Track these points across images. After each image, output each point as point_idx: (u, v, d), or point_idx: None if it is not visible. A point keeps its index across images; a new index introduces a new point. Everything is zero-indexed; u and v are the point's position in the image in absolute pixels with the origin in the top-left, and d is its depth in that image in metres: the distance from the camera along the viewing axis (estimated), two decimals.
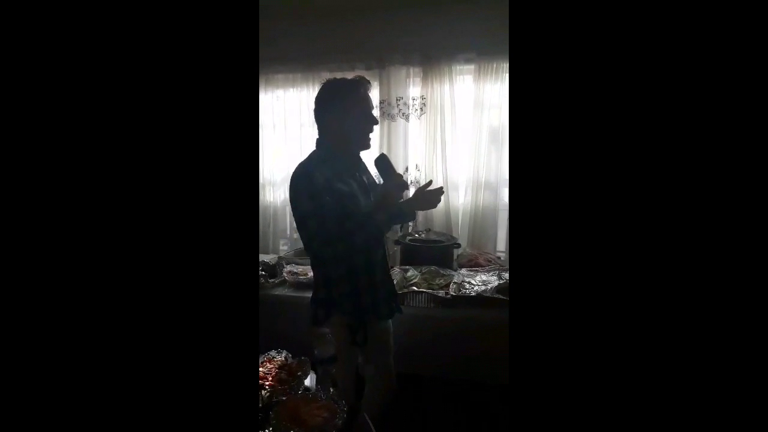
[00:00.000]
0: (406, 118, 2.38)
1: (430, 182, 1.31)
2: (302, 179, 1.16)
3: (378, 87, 2.39)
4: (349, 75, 2.40)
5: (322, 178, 1.13)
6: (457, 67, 2.31)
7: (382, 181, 1.28)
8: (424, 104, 2.36)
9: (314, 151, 1.26)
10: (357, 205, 1.19)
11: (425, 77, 2.34)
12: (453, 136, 2.36)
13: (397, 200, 1.23)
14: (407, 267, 2.07)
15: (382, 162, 1.25)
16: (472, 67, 2.28)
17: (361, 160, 1.32)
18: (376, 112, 2.40)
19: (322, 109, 1.22)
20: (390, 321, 1.40)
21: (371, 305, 1.27)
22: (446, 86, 2.32)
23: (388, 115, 2.39)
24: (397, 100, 2.37)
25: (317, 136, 1.27)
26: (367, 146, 1.27)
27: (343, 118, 1.20)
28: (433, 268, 2.04)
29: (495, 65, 2.24)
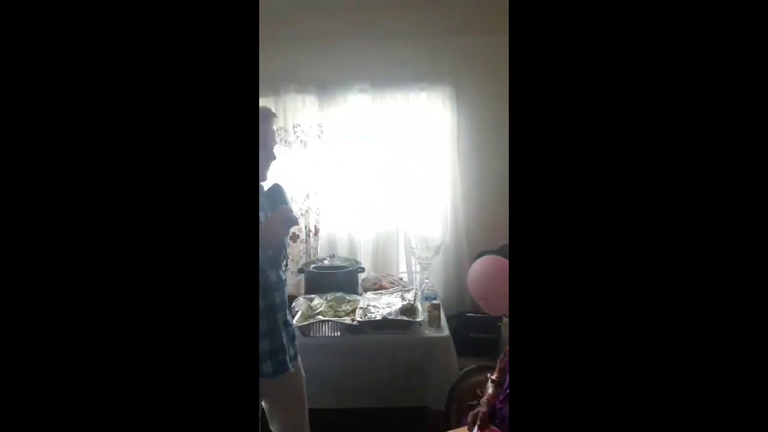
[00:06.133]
0: (304, 144, 2.38)
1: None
2: None
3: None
4: None
5: None
6: (352, 96, 2.37)
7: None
8: (321, 131, 2.38)
9: None
10: None
11: (321, 105, 2.36)
12: (351, 163, 2.41)
13: (281, 238, 1.18)
14: (312, 296, 2.03)
15: (274, 193, 1.21)
16: (366, 96, 2.37)
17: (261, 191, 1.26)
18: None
19: None
20: (290, 375, 1.28)
21: None
22: (342, 114, 2.37)
23: (285, 141, 2.36)
24: (294, 127, 2.36)
25: None
26: (263, 178, 1.23)
27: None
28: (338, 294, 2.03)
29: (388, 95, 2.36)
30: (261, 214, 1.22)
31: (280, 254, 1.22)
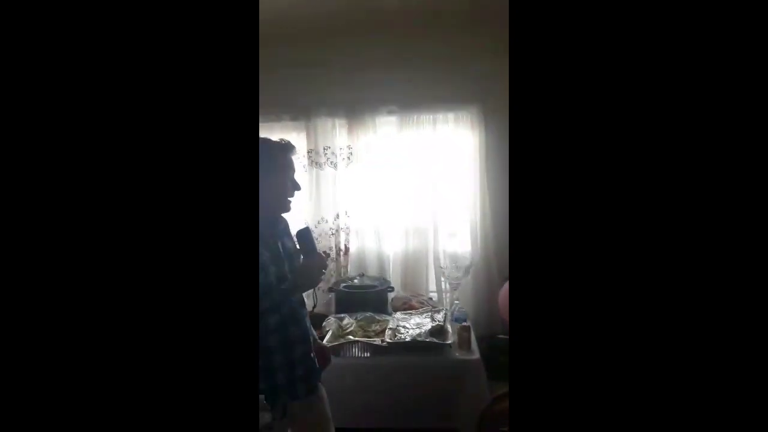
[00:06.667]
0: (334, 166, 2.43)
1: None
2: None
3: (305, 137, 2.43)
4: (276, 126, 2.44)
5: None
6: (381, 119, 2.42)
7: (301, 254, 1.27)
8: (351, 153, 2.43)
9: None
10: (267, 277, 1.17)
11: (350, 128, 2.42)
12: (381, 184, 2.44)
13: (318, 280, 1.25)
14: (342, 315, 2.04)
15: (305, 236, 1.24)
16: (394, 118, 2.41)
17: (280, 221, 1.32)
18: (303, 162, 2.43)
19: None
20: (316, 396, 1.34)
21: (287, 385, 1.23)
22: (371, 138, 2.41)
23: (316, 163, 2.43)
24: (324, 149, 2.42)
25: None
26: (287, 209, 1.28)
27: (264, 180, 1.11)
28: (368, 314, 2.04)
29: (416, 117, 2.39)
30: (277, 246, 1.26)
31: None
